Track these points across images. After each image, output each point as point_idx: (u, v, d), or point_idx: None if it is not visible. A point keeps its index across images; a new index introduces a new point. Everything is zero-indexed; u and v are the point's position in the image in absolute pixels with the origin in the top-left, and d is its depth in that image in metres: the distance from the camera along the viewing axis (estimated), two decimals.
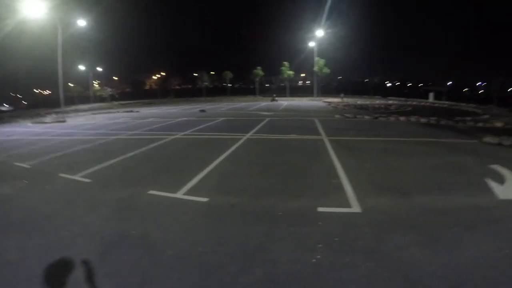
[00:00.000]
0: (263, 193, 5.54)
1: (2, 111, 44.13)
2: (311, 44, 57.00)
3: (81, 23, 32.31)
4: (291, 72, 64.24)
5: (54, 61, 26.92)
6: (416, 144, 9.79)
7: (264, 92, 73.19)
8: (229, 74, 78.07)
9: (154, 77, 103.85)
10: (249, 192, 5.59)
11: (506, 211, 4.54)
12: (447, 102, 33.60)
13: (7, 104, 56.96)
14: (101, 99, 69.17)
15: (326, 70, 56.74)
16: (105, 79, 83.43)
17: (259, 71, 70.16)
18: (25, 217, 4.90)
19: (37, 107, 50.00)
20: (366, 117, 18.17)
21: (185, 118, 20.37)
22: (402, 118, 16.48)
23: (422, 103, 33.94)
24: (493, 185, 5.58)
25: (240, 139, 11.08)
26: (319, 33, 53.96)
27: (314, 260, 3.33)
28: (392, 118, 16.91)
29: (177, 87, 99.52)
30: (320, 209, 4.70)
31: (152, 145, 10.53)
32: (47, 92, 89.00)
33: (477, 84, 69.27)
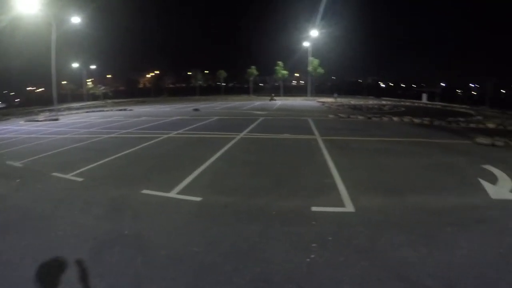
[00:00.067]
0: (256, 192, 5.53)
1: None
2: (306, 44, 57.01)
3: (76, 20, 31.95)
4: (285, 72, 64.18)
5: (48, 58, 26.58)
6: (409, 144, 9.84)
7: (258, 91, 72.97)
8: (223, 73, 77.81)
9: (148, 76, 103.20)
10: (242, 192, 5.58)
11: (498, 210, 4.58)
12: (440, 103, 33.79)
13: None
14: (95, 97, 68.53)
15: (320, 70, 56.76)
16: (98, 77, 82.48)
17: (253, 70, 70.02)
18: (17, 217, 4.85)
19: (30, 105, 49.52)
20: (360, 117, 18.22)
21: (178, 117, 20.29)
22: (395, 119, 16.56)
23: (416, 104, 34.11)
24: (486, 185, 5.63)
25: (233, 138, 11.06)
26: (314, 33, 53.95)
27: (308, 260, 3.32)
28: (385, 119, 16.98)
29: (171, 85, 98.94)
30: (314, 208, 4.70)
31: (145, 144, 10.47)
32: (40, 89, 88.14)
33: (470, 86, 69.82)
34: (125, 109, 31.45)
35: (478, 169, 6.67)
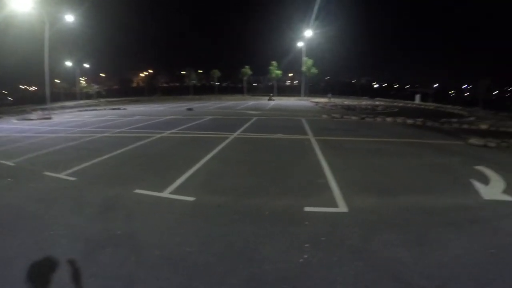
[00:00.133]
0: (250, 192, 5.53)
1: None
2: (300, 44, 57.16)
3: (69, 18, 31.65)
4: (279, 72, 64.24)
5: (41, 57, 26.30)
6: (402, 145, 9.90)
7: (252, 91, 73.00)
8: (217, 73, 77.53)
9: (142, 75, 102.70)
10: (236, 192, 5.57)
11: (490, 211, 4.62)
12: (433, 104, 34.06)
13: None
14: (88, 96, 67.89)
15: (314, 70, 56.91)
16: (92, 76, 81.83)
17: (247, 70, 70.02)
18: (9, 216, 4.79)
19: (23, 103, 48.92)
20: (353, 117, 18.29)
21: (172, 116, 20.21)
22: (388, 119, 16.66)
23: (409, 105, 34.34)
24: (478, 185, 5.69)
25: (227, 138, 11.05)
26: (308, 33, 54.02)
27: (301, 260, 3.33)
28: (379, 119, 17.07)
29: (165, 85, 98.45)
30: (307, 208, 4.71)
31: (138, 143, 10.41)
32: (33, 88, 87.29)
33: (463, 87, 70.40)
34: (118, 108, 31.25)
35: (471, 170, 6.73)
